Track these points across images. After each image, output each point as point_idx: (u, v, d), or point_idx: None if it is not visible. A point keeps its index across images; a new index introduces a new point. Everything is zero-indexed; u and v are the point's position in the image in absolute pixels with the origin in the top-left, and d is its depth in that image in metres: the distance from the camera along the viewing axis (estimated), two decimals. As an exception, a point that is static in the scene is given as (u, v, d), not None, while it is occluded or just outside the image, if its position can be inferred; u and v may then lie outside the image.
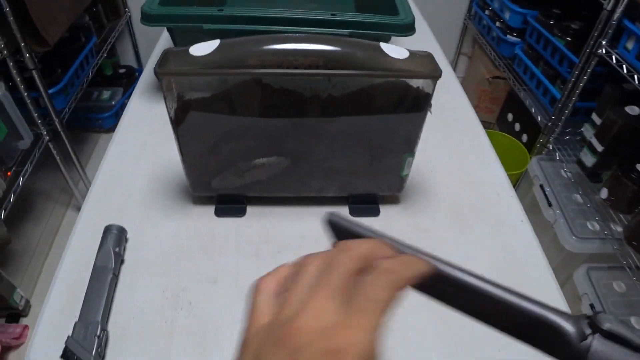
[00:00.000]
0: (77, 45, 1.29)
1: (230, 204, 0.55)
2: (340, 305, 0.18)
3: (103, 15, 1.53)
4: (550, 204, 1.12)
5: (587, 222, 1.10)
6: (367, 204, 0.57)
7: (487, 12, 1.65)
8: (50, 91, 1.09)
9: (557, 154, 1.22)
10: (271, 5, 0.91)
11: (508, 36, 1.48)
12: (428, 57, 0.44)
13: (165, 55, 0.42)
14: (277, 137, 0.47)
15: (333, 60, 0.42)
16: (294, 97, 0.44)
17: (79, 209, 1.47)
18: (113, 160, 0.62)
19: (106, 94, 1.65)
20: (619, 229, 1.08)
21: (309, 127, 0.47)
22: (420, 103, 0.46)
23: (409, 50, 0.44)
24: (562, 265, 1.12)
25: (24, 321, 1.13)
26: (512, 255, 0.53)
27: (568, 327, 0.21)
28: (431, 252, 0.24)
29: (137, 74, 1.77)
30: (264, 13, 0.62)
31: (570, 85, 1.13)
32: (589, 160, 1.07)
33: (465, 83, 1.85)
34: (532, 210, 1.19)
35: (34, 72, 1.00)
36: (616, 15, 0.94)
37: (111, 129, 1.70)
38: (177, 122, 0.45)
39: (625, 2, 0.94)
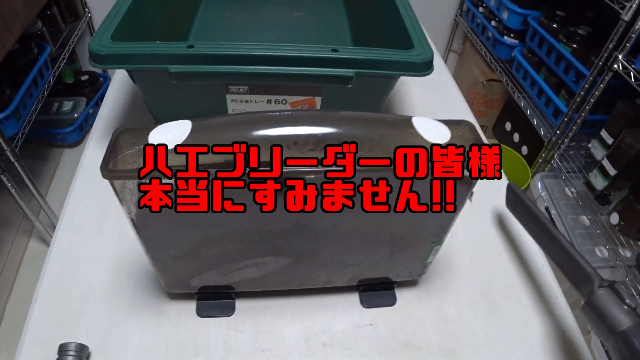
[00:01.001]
0: (28, 58, 1.13)
1: (215, 299, 0.44)
2: None
3: (59, 19, 1.35)
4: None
5: (595, 247, 1.04)
6: (381, 291, 0.47)
7: (480, 9, 1.54)
8: (-4, 117, 0.95)
9: (562, 171, 1.15)
10: (250, 23, 0.78)
11: (505, 37, 1.38)
12: (474, 137, 0.34)
13: (116, 145, 0.30)
14: (272, 237, 0.37)
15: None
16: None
17: (42, 238, 1.33)
18: (63, 244, 0.49)
19: (67, 106, 1.49)
20: (628, 254, 1.02)
21: (315, 224, 0.36)
22: (458, 190, 0.36)
23: (446, 124, 0.33)
24: (568, 295, 1.06)
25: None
26: (554, 342, 0.44)
27: (594, 275, 0.38)
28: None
29: (101, 80, 1.61)
30: (246, 51, 0.50)
31: (579, 99, 1.05)
32: (599, 183, 1.00)
33: (457, 84, 1.75)
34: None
35: (-27, 99, 0.85)
36: (637, 27, 0.85)
37: (75, 143, 1.54)
38: (139, 226, 0.34)
39: (644, 13, 0.86)
